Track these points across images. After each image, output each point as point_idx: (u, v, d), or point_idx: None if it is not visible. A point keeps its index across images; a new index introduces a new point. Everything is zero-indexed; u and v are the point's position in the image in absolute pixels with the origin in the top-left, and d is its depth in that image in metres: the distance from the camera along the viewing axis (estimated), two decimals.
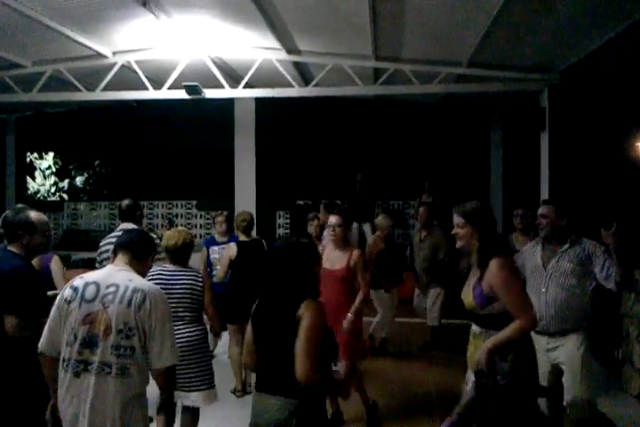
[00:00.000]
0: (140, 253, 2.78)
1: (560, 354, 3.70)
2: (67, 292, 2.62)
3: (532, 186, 8.62)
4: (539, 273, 3.79)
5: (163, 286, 3.74)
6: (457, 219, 3.02)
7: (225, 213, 6.19)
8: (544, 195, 8.14)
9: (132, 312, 2.52)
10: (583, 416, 3.64)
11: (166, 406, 2.85)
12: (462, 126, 12.56)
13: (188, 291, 3.81)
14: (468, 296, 2.97)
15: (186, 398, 3.78)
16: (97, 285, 2.59)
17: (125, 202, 4.65)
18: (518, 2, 5.64)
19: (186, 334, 3.74)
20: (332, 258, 4.47)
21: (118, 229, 4.59)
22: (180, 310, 3.77)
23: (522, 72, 8.09)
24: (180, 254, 3.91)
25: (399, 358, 6.42)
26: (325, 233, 4.87)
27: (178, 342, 3.64)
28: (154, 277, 3.81)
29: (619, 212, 6.87)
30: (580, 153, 8.29)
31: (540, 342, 3.73)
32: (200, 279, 3.88)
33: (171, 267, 3.88)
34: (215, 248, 6.01)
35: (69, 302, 2.58)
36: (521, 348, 2.86)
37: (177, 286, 3.79)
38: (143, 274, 2.81)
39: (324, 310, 2.49)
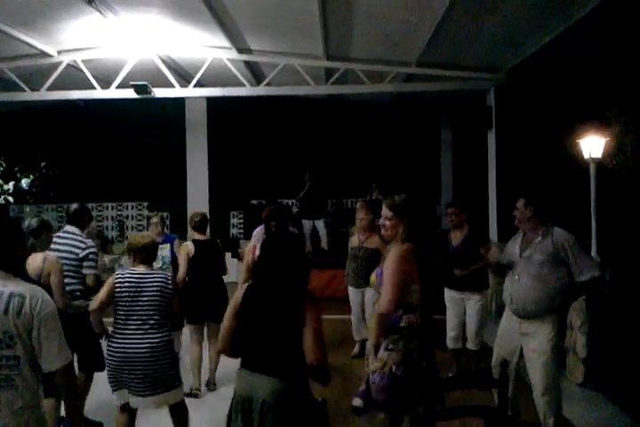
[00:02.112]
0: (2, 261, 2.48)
1: (533, 341, 3.92)
2: None
3: (480, 183, 8.85)
4: (515, 261, 4.03)
5: (133, 290, 3.70)
6: (385, 211, 3.23)
7: (159, 213, 6.32)
8: (492, 191, 8.39)
9: (10, 320, 2.35)
10: (551, 400, 3.87)
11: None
12: (413, 126, 12.78)
13: (158, 293, 3.73)
14: (373, 274, 3.26)
15: (163, 401, 3.73)
16: None
17: (73, 206, 4.65)
18: (463, 3, 5.79)
19: (152, 339, 3.67)
20: None
21: (62, 231, 4.58)
22: (150, 313, 3.70)
23: (469, 72, 8.29)
24: (150, 255, 3.89)
25: (359, 356, 6.38)
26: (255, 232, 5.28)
27: (145, 347, 3.60)
28: (123, 280, 3.73)
29: (562, 205, 7.12)
30: (525, 150, 8.55)
31: (515, 323, 4.04)
32: (169, 281, 3.82)
33: (139, 269, 3.81)
34: None
35: None
36: (411, 338, 3.06)
37: (147, 289, 3.72)
38: (18, 268, 2.62)
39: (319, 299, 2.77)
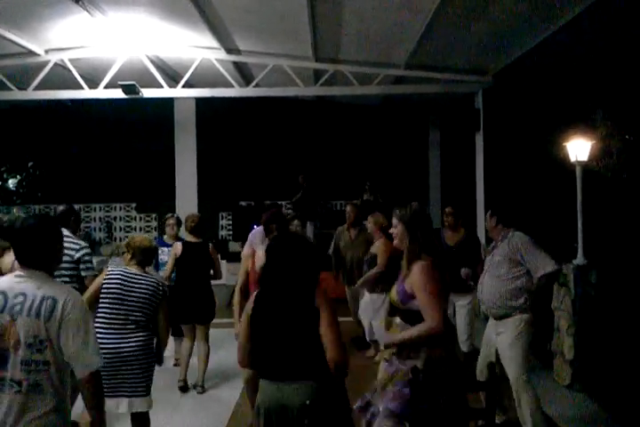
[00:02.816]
0: (37, 261, 2.43)
1: (502, 338, 4.10)
2: None
3: (468, 184, 8.88)
4: (485, 265, 4.35)
5: (121, 288, 3.69)
6: (393, 220, 3.26)
7: (175, 215, 6.26)
8: (480, 192, 8.42)
9: (41, 324, 2.32)
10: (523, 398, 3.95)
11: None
12: (402, 127, 12.83)
13: (148, 296, 3.72)
14: (393, 291, 3.22)
15: (131, 405, 3.69)
16: (4, 294, 2.37)
17: (60, 208, 4.64)
18: (451, 6, 5.82)
19: (136, 339, 3.66)
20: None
21: None
22: (136, 313, 3.70)
23: (457, 74, 8.32)
24: (147, 258, 3.91)
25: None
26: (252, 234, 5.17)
27: (128, 347, 3.59)
28: (113, 277, 3.73)
29: (547, 207, 7.18)
30: (512, 153, 8.62)
31: (490, 324, 4.27)
32: (161, 289, 3.80)
33: (132, 270, 3.81)
34: (165, 249, 6.03)
35: None
36: (434, 347, 3.00)
37: (136, 290, 3.71)
38: (55, 269, 2.58)
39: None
